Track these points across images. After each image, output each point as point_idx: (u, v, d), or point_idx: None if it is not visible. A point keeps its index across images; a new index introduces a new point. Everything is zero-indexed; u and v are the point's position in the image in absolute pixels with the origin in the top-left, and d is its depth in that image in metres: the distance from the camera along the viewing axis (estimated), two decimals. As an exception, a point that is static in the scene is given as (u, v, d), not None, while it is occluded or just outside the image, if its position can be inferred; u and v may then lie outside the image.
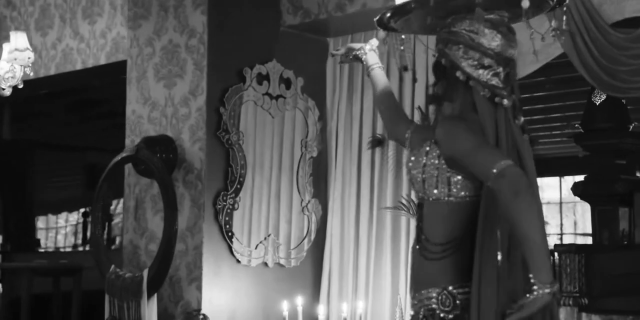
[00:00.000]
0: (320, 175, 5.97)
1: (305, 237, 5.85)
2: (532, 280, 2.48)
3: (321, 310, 5.33)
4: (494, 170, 2.53)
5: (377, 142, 5.44)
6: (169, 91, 5.65)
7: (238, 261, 5.50)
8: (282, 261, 5.70)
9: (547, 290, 2.45)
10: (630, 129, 6.11)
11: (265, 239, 5.64)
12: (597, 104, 6.00)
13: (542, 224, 2.56)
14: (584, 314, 5.12)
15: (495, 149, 2.68)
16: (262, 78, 5.69)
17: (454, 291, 2.69)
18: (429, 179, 2.79)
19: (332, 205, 5.89)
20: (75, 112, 10.56)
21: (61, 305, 8.04)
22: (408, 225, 5.49)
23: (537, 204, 2.60)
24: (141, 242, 5.72)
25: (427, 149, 2.82)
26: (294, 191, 5.83)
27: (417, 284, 2.81)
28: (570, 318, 5.20)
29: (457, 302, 2.68)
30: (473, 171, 2.66)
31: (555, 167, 11.37)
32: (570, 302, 5.11)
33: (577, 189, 6.13)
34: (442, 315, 2.69)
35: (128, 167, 5.80)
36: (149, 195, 5.69)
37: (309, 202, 5.87)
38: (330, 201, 5.91)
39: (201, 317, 5.02)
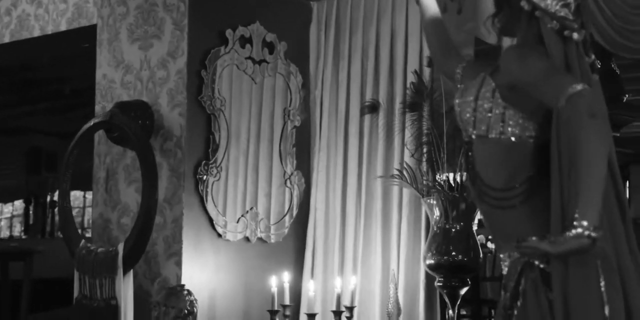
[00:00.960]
0: (304, 146, 5.63)
1: (288, 212, 5.50)
2: (576, 215, 2.17)
3: (311, 286, 4.99)
4: (571, 90, 2.25)
5: (371, 108, 5.14)
6: (145, 53, 5.25)
7: (219, 235, 5.13)
8: (263, 236, 5.35)
9: (587, 233, 2.14)
10: (624, 101, 5.92)
11: (247, 212, 5.28)
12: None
13: (606, 163, 2.25)
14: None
15: (571, 74, 2.39)
16: (244, 41, 5.33)
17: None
18: (481, 115, 2.49)
19: (316, 178, 5.56)
20: (18, 91, 10.01)
21: (10, 293, 7.56)
22: (400, 197, 5.20)
23: (608, 140, 2.32)
24: (113, 215, 5.30)
25: (481, 81, 2.54)
26: (274, 163, 5.48)
27: (502, 235, 2.50)
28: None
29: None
30: (542, 95, 2.36)
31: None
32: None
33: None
34: (541, 266, 2.38)
35: (98, 135, 5.38)
36: (122, 165, 5.28)
37: (291, 174, 5.53)
38: (315, 173, 5.57)
39: (185, 292, 4.64)
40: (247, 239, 5.27)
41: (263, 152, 5.41)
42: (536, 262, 2.37)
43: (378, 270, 5.21)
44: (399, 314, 4.99)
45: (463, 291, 4.87)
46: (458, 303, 4.87)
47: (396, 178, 4.95)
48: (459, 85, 2.75)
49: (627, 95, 5.96)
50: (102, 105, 5.41)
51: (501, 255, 2.51)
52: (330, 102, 5.56)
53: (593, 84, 2.46)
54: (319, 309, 5.16)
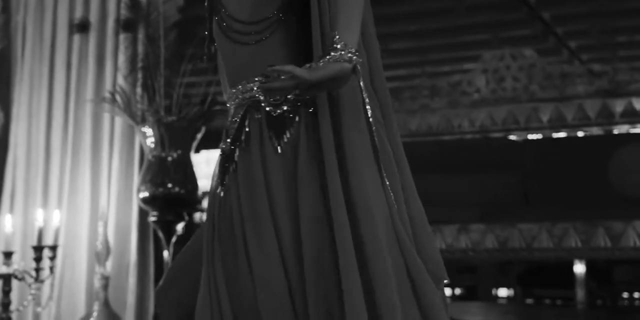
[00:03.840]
0: (3, 76, 5.03)
1: (-18, 148, 4.90)
2: (336, 37, 1.92)
3: (7, 221, 4.40)
4: None
5: (81, 27, 4.68)
6: None
7: None
8: (-47, 173, 4.72)
9: (348, 55, 1.89)
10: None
11: None
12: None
13: None
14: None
15: None
16: None
17: None
18: None
19: (17, 112, 4.99)
20: None
21: None
22: (111, 128, 4.77)
23: None
24: None
25: None
26: (-32, 94, 4.86)
27: (233, 77, 2.14)
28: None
29: (288, 96, 2.02)
30: None
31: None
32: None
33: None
34: (267, 109, 2.04)
35: None
36: None
37: (-12, 107, 4.93)
38: (15, 107, 5.00)
39: None
40: None
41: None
42: (263, 104, 2.05)
43: (86, 207, 4.74)
44: (108, 254, 4.55)
45: (179, 227, 4.53)
46: (173, 240, 4.52)
47: (108, 102, 4.51)
48: None
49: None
50: None
51: (232, 91, 2.16)
52: (35, 28, 5.02)
53: None
54: (19, 248, 4.60)
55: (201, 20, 4.73)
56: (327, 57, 1.89)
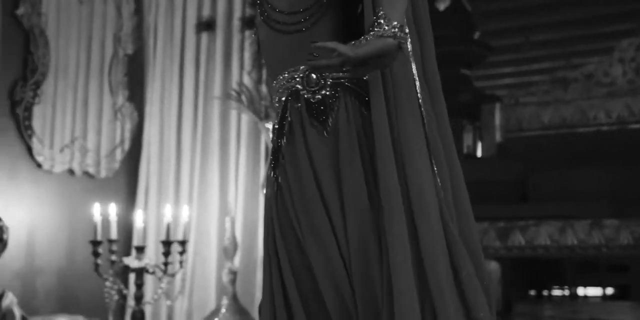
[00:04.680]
0: (136, 75, 5.20)
1: (119, 145, 5.06)
2: (380, 13, 1.86)
3: (139, 217, 4.54)
4: None
5: (206, 25, 4.77)
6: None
7: (39, 165, 4.65)
8: (91, 170, 4.89)
9: (393, 30, 1.82)
10: (475, 38, 5.72)
11: (72, 142, 4.81)
12: (441, 10, 5.55)
13: None
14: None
15: None
16: (71, -44, 4.88)
17: None
18: None
19: (149, 110, 5.14)
20: None
21: None
22: (238, 126, 4.85)
23: None
24: None
25: None
26: (104, 94, 5.03)
27: (274, 67, 2.11)
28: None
29: (327, 80, 2.00)
30: None
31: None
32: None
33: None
34: (306, 96, 2.01)
35: None
36: None
37: (122, 106, 5.09)
38: (148, 105, 5.15)
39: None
40: (71, 171, 4.80)
41: (91, 82, 4.95)
42: (302, 92, 2.02)
43: (215, 203, 4.84)
44: (235, 249, 4.62)
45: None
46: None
47: (233, 100, 4.59)
48: None
49: (477, 32, 5.80)
50: None
51: (274, 83, 2.15)
52: (165, 29, 5.16)
53: None
54: (152, 243, 4.75)
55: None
56: (371, 33, 1.84)
